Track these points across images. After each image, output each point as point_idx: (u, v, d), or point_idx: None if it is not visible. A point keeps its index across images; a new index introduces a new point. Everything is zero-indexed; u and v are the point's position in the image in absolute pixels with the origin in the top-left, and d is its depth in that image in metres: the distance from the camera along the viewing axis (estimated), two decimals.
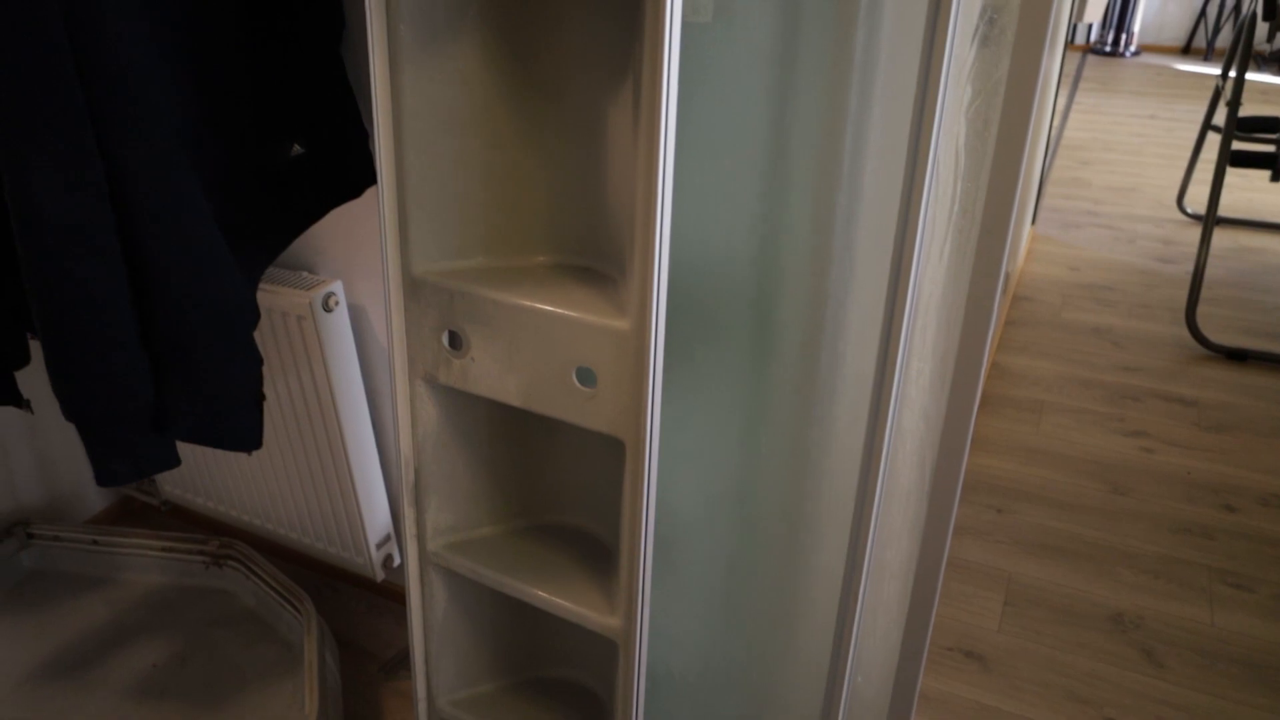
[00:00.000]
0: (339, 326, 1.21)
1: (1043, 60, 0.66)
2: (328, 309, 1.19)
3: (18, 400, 1.02)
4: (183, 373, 0.76)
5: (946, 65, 0.59)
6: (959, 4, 0.59)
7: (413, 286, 0.75)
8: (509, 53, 0.72)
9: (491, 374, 0.73)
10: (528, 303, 0.69)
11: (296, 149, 0.99)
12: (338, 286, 1.20)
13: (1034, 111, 0.66)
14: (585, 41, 0.71)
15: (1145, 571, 1.64)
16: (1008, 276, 2.44)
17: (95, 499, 1.73)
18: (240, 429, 0.86)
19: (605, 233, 0.75)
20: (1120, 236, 3.21)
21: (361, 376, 1.29)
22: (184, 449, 1.48)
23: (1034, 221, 3.27)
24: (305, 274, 1.24)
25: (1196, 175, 3.86)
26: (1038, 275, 2.88)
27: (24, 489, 1.58)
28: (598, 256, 0.76)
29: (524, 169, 0.76)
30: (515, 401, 0.73)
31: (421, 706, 0.93)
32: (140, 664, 1.34)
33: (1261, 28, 4.91)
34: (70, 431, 1.64)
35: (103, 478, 0.78)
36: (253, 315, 0.82)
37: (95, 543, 1.50)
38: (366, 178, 1.05)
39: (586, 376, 0.69)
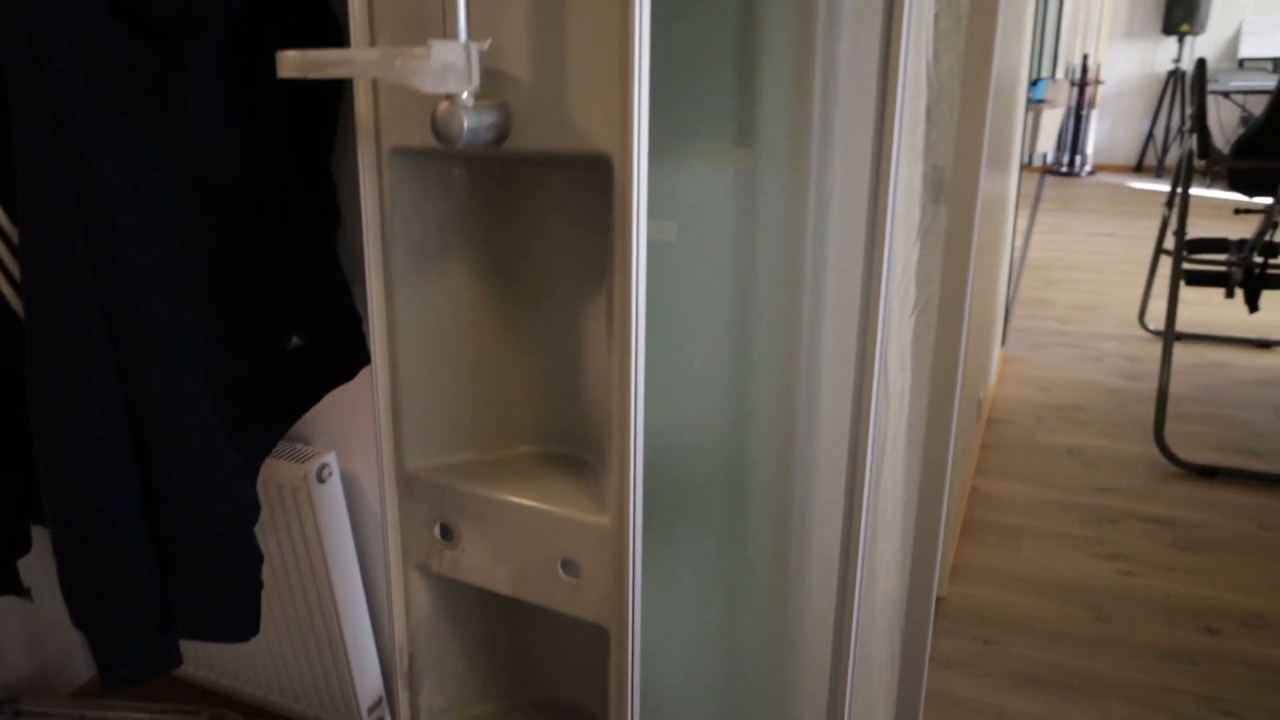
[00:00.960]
0: (332, 497, 1.26)
1: (974, 228, 0.74)
2: (321, 480, 1.23)
3: (18, 589, 1.05)
4: (188, 575, 0.80)
5: (885, 282, 0.67)
6: (894, 203, 0.67)
7: (406, 482, 0.80)
8: (493, 265, 0.80)
9: (482, 564, 0.78)
10: (514, 499, 0.75)
11: (295, 340, 1.06)
12: (331, 458, 1.25)
13: (967, 300, 0.74)
14: (562, 253, 0.78)
15: (1133, 701, 1.65)
16: (980, 402, 2.52)
17: (83, 668, 1.72)
18: (238, 619, 0.89)
19: (585, 423, 0.81)
20: (1087, 355, 3.32)
21: (354, 543, 1.33)
22: None
23: (1003, 343, 3.38)
24: (300, 445, 1.30)
25: (1156, 290, 4.02)
26: (1010, 397, 2.96)
27: (12, 663, 1.58)
28: (578, 445, 0.82)
29: (508, 367, 0.82)
30: (505, 590, 0.77)
31: None
32: None
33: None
34: (59, 601, 1.65)
35: (111, 681, 0.81)
36: (254, 514, 0.86)
37: (84, 718, 1.50)
38: (360, 360, 1.12)
39: (571, 566, 0.74)
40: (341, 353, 1.07)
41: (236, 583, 0.85)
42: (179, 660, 0.85)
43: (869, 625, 0.79)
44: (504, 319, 0.81)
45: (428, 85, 0.60)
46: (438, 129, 0.62)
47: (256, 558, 0.87)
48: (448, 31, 0.61)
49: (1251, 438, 2.65)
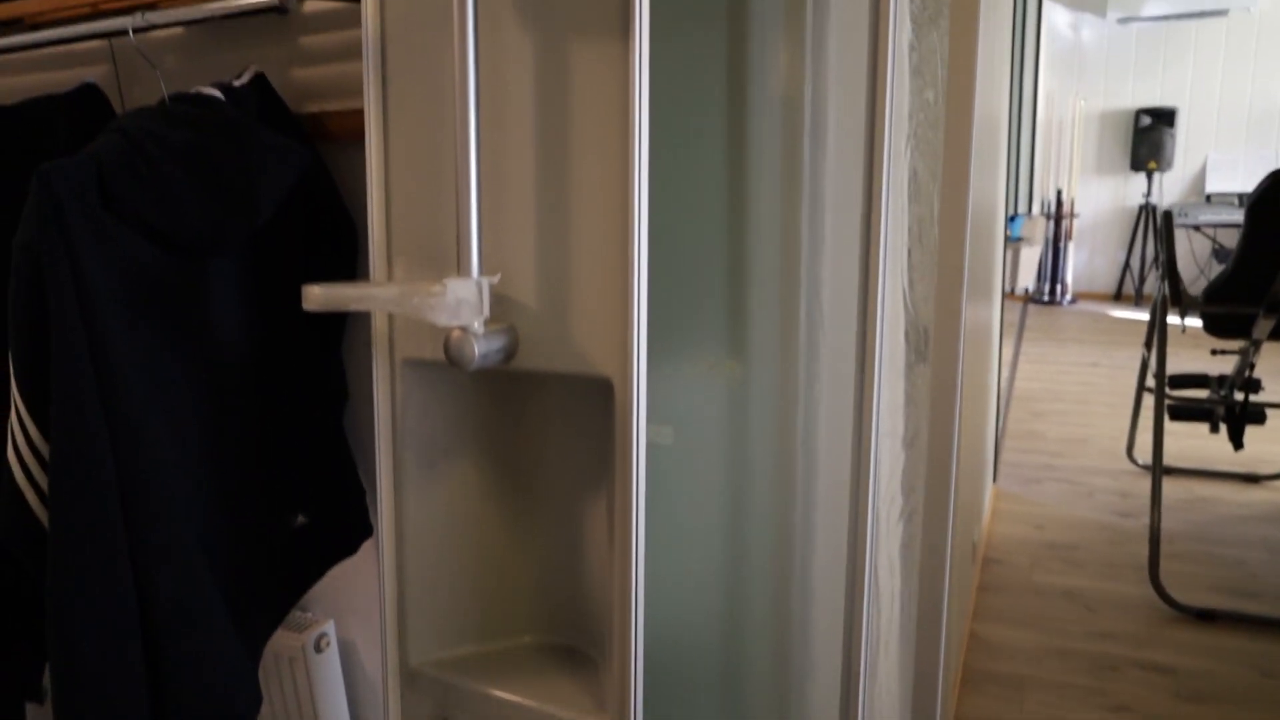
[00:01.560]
0: (329, 666, 1.26)
1: (959, 357, 0.78)
2: (319, 650, 1.23)
3: None
4: None
5: (875, 421, 0.71)
6: (882, 344, 0.71)
7: (410, 677, 0.81)
8: (498, 463, 0.83)
9: None
10: (515, 699, 0.76)
11: (301, 519, 1.08)
12: (330, 627, 1.25)
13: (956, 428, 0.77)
14: (565, 453, 0.82)
15: None
16: (975, 543, 2.53)
17: None
18: None
19: (586, 613, 0.83)
20: (1079, 490, 3.34)
21: (349, 713, 1.31)
22: None
23: (995, 478, 3.41)
24: (298, 613, 1.30)
25: (1142, 423, 4.07)
26: (1005, 535, 2.97)
27: None
28: (580, 636, 0.84)
29: (512, 559, 0.85)
30: None
31: None
32: None
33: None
34: None
35: None
36: (257, 701, 0.87)
37: None
38: (363, 533, 1.14)
39: None
40: (346, 527, 1.10)
41: None
42: None
43: None
44: (508, 513, 0.84)
45: (443, 319, 0.64)
46: (450, 354, 0.67)
47: None
48: (460, 268, 0.66)
49: (1248, 578, 2.65)
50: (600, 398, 0.74)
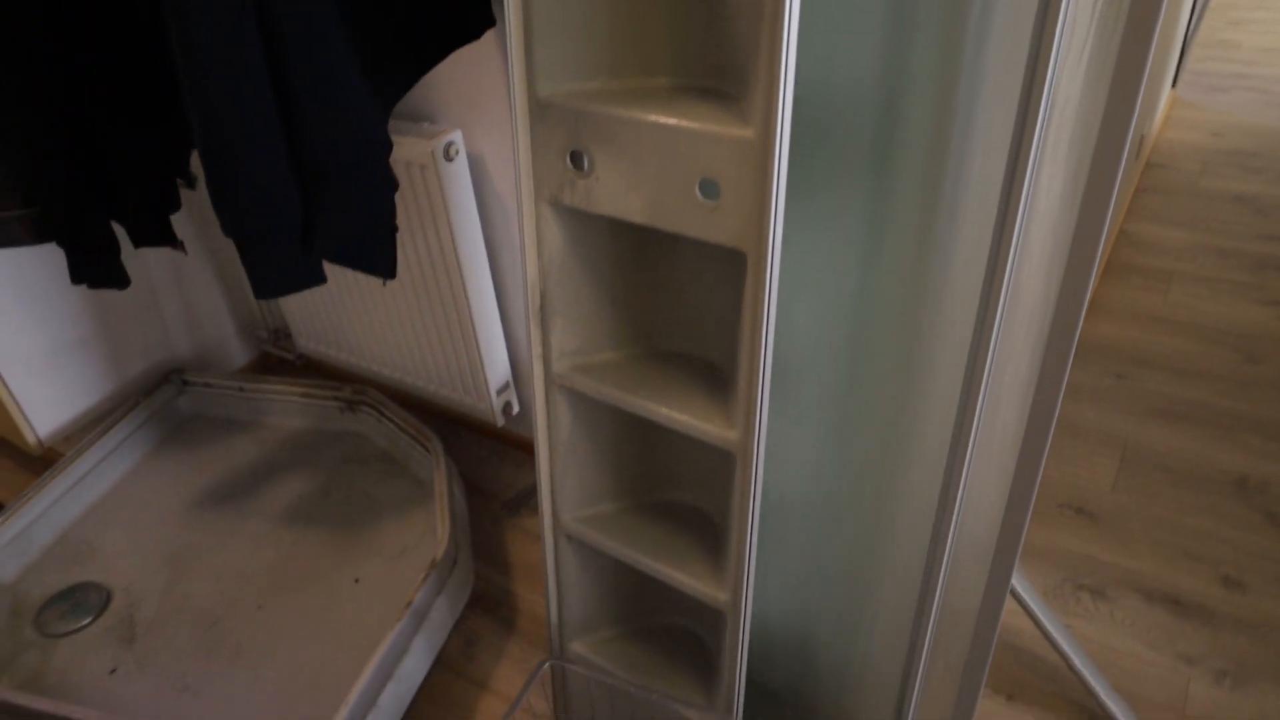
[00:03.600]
0: (459, 176, 1.25)
1: None
2: (448, 158, 1.22)
3: (173, 240, 1.10)
4: (327, 194, 0.81)
5: None
6: None
7: (539, 109, 0.77)
8: None
9: (616, 192, 0.75)
10: (653, 118, 0.71)
11: None
12: (457, 136, 1.23)
13: None
14: None
15: (1276, 438, 1.58)
16: (1141, 138, 2.30)
17: (237, 354, 1.86)
18: (377, 255, 0.91)
19: (725, 52, 0.75)
20: (1271, 100, 2.97)
21: (481, 226, 1.33)
22: (320, 306, 1.57)
23: (1174, 84, 3.05)
24: (426, 124, 1.28)
25: None
26: (1175, 141, 2.70)
27: (177, 344, 1.71)
28: (718, 76, 0.76)
29: None
30: (639, 219, 0.75)
31: (547, 522, 1.00)
32: (288, 495, 1.47)
33: None
34: (216, 290, 1.75)
35: (259, 290, 0.84)
36: (386, 145, 0.85)
37: (242, 389, 1.63)
38: (485, 20, 1.06)
39: (710, 189, 0.70)
40: (465, 6, 1.02)
41: (373, 207, 0.86)
42: (322, 278, 0.88)
43: (1016, 294, 0.74)
44: None
45: None
46: None
47: (391, 183, 0.87)
48: None
49: None
50: None
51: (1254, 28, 3.71)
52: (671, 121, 0.70)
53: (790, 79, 0.62)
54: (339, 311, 1.56)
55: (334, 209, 0.82)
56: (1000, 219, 0.69)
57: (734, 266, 0.84)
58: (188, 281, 1.70)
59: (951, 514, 0.83)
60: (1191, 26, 3.29)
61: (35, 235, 1.02)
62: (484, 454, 1.67)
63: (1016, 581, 1.17)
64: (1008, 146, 0.70)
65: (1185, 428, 1.62)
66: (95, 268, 1.03)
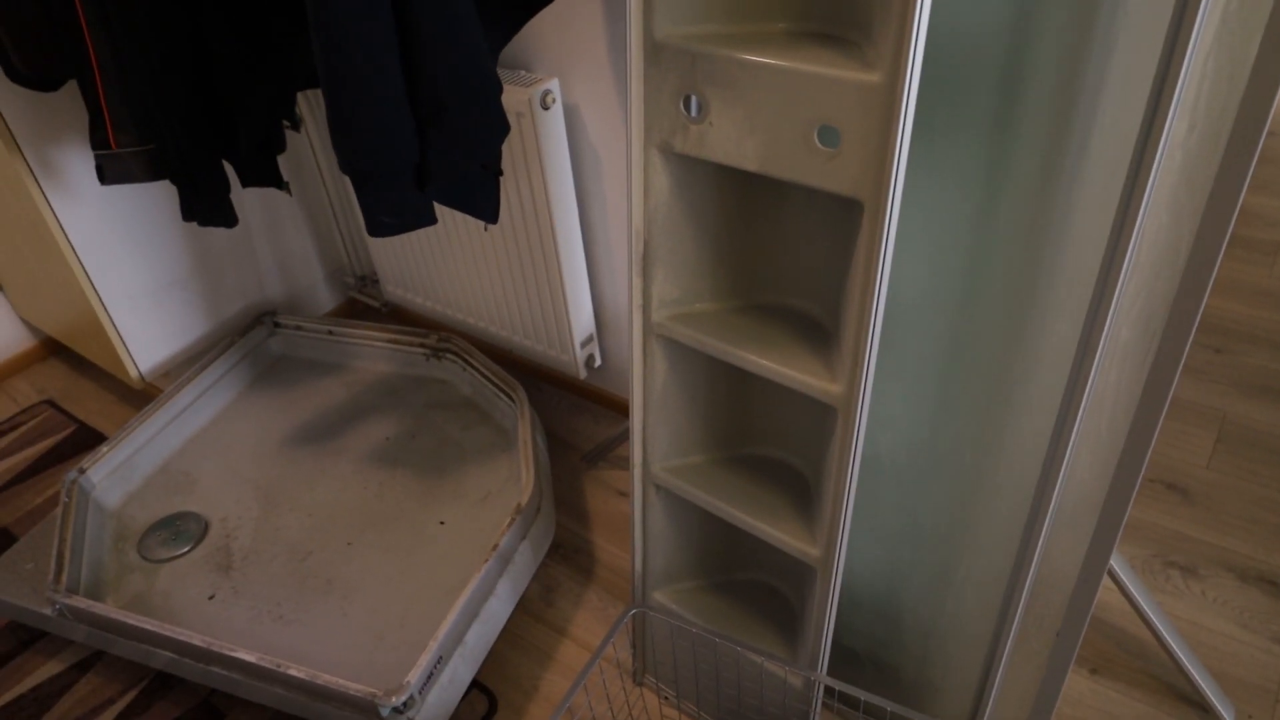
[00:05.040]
0: (554, 124, 1.25)
1: None
2: (545, 106, 1.22)
3: (279, 181, 1.12)
4: (443, 131, 0.81)
5: None
6: None
7: (654, 51, 0.76)
8: None
9: (730, 139, 0.75)
10: (772, 61, 0.69)
11: None
12: (554, 84, 1.23)
13: None
14: None
15: None
16: None
17: (326, 300, 1.90)
18: (484, 198, 0.92)
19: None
20: None
21: (573, 177, 1.33)
22: (407, 253, 1.59)
23: None
24: (523, 72, 1.28)
25: None
26: None
27: (270, 287, 1.76)
28: (840, 23, 0.74)
29: None
30: (752, 166, 0.74)
31: (637, 471, 1.00)
32: (376, 436, 1.51)
33: None
34: (306, 236, 1.79)
35: (373, 228, 0.86)
36: (497, 85, 0.85)
37: (331, 333, 1.67)
38: None
39: (829, 137, 0.69)
40: None
41: (485, 147, 0.86)
42: (434, 218, 0.89)
43: (1136, 259, 0.72)
44: None
45: None
46: None
47: (504, 124, 0.87)
48: None
49: None
50: None
51: None
52: (792, 65, 0.68)
53: (924, 21, 0.61)
54: (426, 260, 1.58)
55: (449, 147, 0.83)
56: (1132, 174, 0.66)
57: (841, 218, 0.82)
58: (280, 226, 1.74)
59: (1055, 482, 0.81)
60: None
61: (151, 172, 1.05)
62: (565, 406, 1.68)
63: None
64: (1143, 103, 0.68)
65: None
66: (206, 205, 1.06)
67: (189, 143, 1.00)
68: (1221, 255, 0.67)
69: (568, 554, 1.41)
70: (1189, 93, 0.66)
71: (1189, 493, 1.41)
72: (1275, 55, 0.60)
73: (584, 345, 1.48)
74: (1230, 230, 0.67)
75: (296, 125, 1.17)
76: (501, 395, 1.48)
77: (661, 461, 0.99)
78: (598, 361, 1.52)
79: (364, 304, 1.97)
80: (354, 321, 1.65)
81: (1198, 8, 0.59)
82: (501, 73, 1.27)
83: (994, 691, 0.97)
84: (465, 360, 1.56)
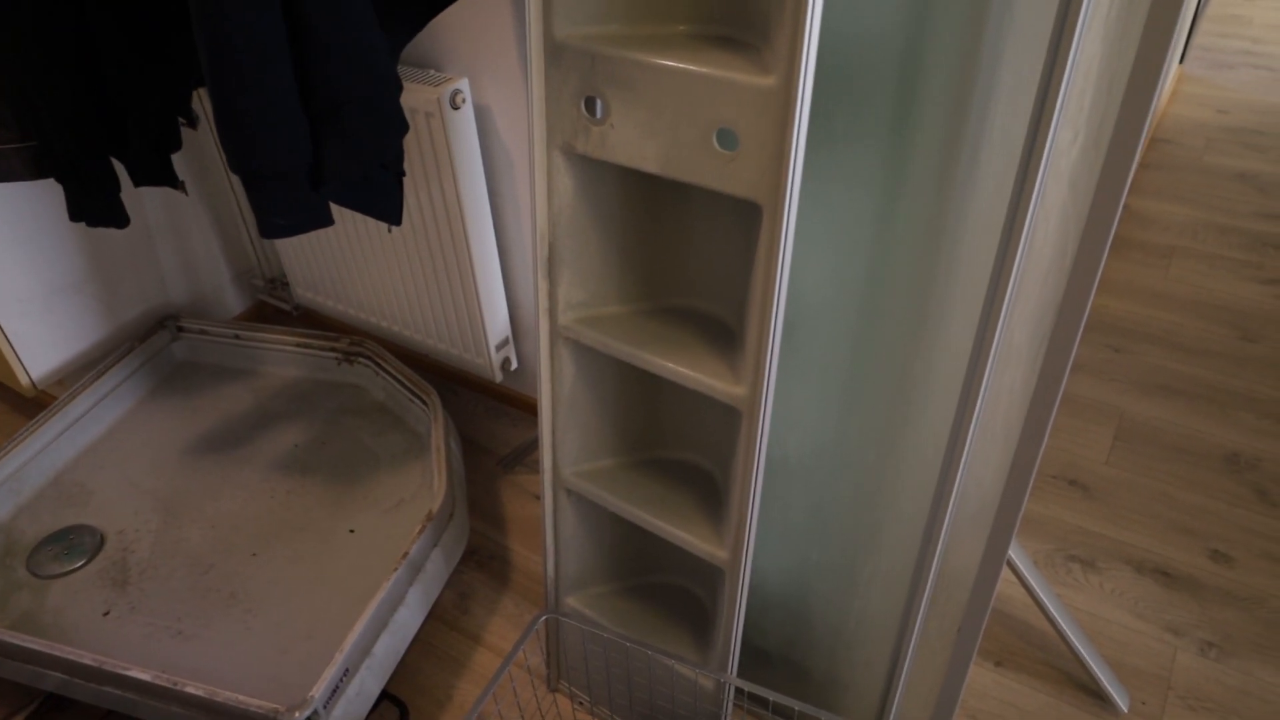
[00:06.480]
0: (465, 125, 1.23)
1: None
2: (455, 106, 1.20)
3: (174, 180, 1.08)
4: (338, 130, 0.79)
5: None
6: None
7: (555, 51, 0.75)
8: None
9: (631, 141, 0.74)
10: (671, 63, 0.69)
11: None
12: (464, 84, 1.21)
13: None
14: None
15: (1268, 416, 1.59)
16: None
17: (233, 303, 1.84)
18: (385, 199, 0.89)
19: (746, 1, 0.73)
20: (1279, 78, 2.95)
21: (485, 178, 1.31)
22: (318, 255, 1.55)
23: (1182, 60, 3.03)
24: (432, 71, 1.26)
25: None
26: (1181, 117, 2.68)
27: (174, 289, 1.69)
28: (740, 26, 0.75)
29: None
30: (653, 168, 0.74)
31: (547, 476, 0.99)
32: (284, 444, 1.46)
33: None
34: (212, 237, 1.73)
35: (265, 229, 0.83)
36: (396, 85, 0.83)
37: (238, 337, 1.62)
38: None
39: (728, 139, 0.69)
40: None
41: (383, 148, 0.84)
42: (329, 219, 0.87)
43: (1033, 253, 0.74)
44: None
45: None
46: None
47: (401, 125, 0.85)
48: None
49: None
50: None
51: (1265, 5, 3.68)
52: (691, 68, 0.68)
53: (816, 25, 0.61)
54: (338, 261, 1.54)
55: (344, 147, 0.81)
56: (1019, 180, 0.68)
57: (746, 220, 0.83)
58: (184, 227, 1.68)
59: (954, 480, 0.83)
60: (1201, 1, 3.26)
61: (33, 170, 1.00)
62: (480, 410, 1.66)
63: (1010, 550, 1.18)
64: (1030, 105, 0.69)
65: (1180, 403, 1.62)
66: (94, 205, 1.01)
67: (74, 140, 0.95)
68: (1105, 258, 0.70)
69: (483, 560, 1.39)
70: (1073, 102, 0.68)
71: (1089, 488, 1.46)
72: (1149, 66, 0.62)
73: (499, 348, 1.46)
74: (1112, 234, 0.69)
75: (194, 123, 1.13)
76: (415, 400, 1.45)
77: (572, 465, 0.99)
78: (514, 364, 1.51)
79: (274, 307, 1.91)
80: (262, 325, 1.60)
81: (1077, 19, 0.60)
82: (410, 71, 1.25)
83: (900, 687, 0.99)
84: (378, 364, 1.52)
